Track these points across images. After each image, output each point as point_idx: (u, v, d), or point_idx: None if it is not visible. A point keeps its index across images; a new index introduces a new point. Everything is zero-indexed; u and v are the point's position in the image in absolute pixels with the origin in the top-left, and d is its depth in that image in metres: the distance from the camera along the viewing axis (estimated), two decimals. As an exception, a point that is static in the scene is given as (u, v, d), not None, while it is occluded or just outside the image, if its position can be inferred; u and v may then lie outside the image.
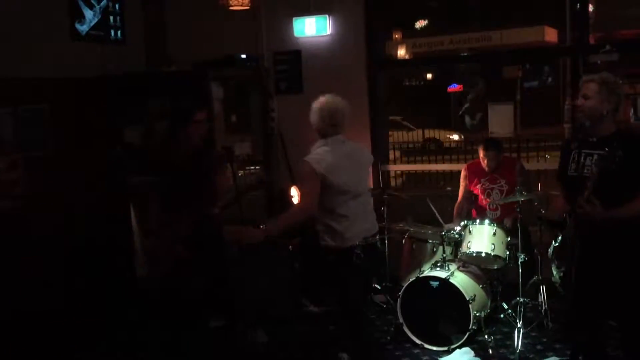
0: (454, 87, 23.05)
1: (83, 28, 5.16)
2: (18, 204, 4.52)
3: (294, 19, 5.74)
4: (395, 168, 7.62)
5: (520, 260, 4.47)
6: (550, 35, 17.61)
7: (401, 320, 4.48)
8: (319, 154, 3.50)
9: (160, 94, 5.11)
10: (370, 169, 3.87)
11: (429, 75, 24.20)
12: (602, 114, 3.15)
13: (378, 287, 5.17)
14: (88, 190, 4.95)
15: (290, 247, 4.96)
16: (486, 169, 5.02)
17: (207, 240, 3.83)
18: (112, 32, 5.44)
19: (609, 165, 2.94)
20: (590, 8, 5.50)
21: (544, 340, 4.41)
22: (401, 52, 15.58)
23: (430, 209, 5.10)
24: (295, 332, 4.70)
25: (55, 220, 4.72)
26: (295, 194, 5.69)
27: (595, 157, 3.11)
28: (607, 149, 2.98)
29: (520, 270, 4.49)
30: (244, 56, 5.53)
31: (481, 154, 5.05)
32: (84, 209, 4.90)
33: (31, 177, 4.62)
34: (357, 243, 3.44)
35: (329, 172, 3.39)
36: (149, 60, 5.76)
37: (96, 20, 5.29)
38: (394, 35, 16.08)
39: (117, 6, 5.48)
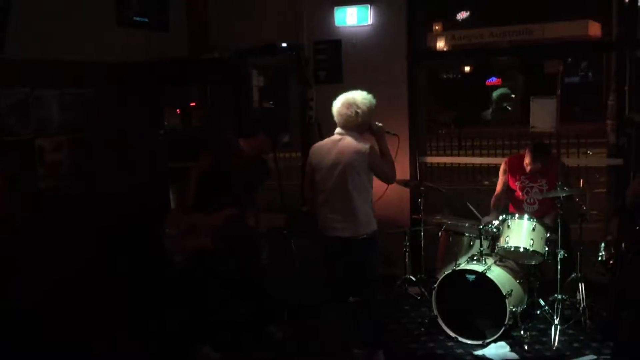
0: (493, 81, 22.75)
1: (129, 14, 5.25)
2: (62, 184, 4.64)
3: (335, 8, 5.73)
4: (433, 160, 7.53)
5: (559, 257, 4.41)
6: (594, 29, 17.20)
7: (436, 313, 4.47)
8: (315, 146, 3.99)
9: (202, 81, 5.17)
10: (364, 169, 3.76)
11: (467, 68, 23.92)
12: None
13: (413, 279, 5.17)
14: (130, 173, 5.05)
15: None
16: (528, 170, 4.92)
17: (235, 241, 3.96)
18: (156, 19, 5.52)
19: None
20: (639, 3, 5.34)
21: (581, 338, 4.35)
22: (440, 44, 15.43)
23: (467, 204, 5.06)
24: (327, 318, 4.72)
25: (97, 201, 4.84)
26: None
27: None
28: None
29: (559, 267, 4.42)
30: (284, 45, 5.54)
31: (527, 158, 4.86)
32: (125, 190, 5.00)
33: (75, 158, 4.74)
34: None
35: (315, 164, 3.89)
36: (191, 47, 5.83)
37: (141, 6, 5.37)
38: (434, 27, 15.91)
39: (161, -8, 5.55)
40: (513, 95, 22.79)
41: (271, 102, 5.47)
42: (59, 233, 4.52)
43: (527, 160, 4.88)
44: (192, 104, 5.43)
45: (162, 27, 5.58)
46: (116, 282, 4.75)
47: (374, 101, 3.85)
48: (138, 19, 5.33)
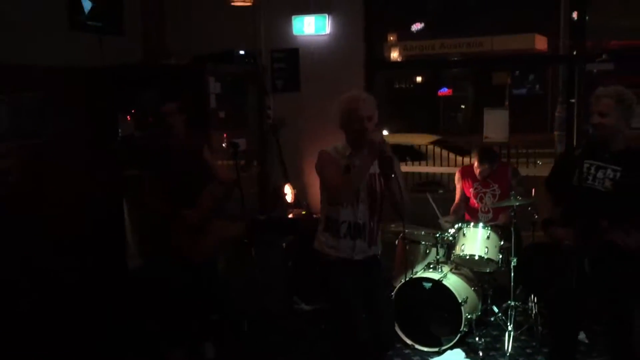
0: (444, 91, 23.20)
1: (82, 18, 5.12)
2: (10, 192, 4.48)
3: (293, 17, 5.74)
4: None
5: (512, 264, 4.51)
6: (541, 43, 17.81)
7: (393, 321, 4.50)
8: None
9: (158, 87, 5.08)
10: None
11: (419, 79, 24.33)
12: (620, 131, 3.13)
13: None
14: (82, 180, 4.92)
15: (284, 244, 4.96)
16: (479, 177, 5.05)
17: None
18: (111, 23, 5.40)
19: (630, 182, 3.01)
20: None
21: (534, 344, 4.45)
22: (394, 55, 15.65)
23: (425, 208, 5.13)
24: (286, 329, 4.70)
25: (48, 209, 4.68)
26: (289, 191, 5.70)
27: (610, 172, 3.12)
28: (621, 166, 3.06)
29: (512, 274, 4.53)
30: (242, 52, 5.53)
31: (475, 163, 5.07)
32: (77, 198, 4.86)
33: (25, 165, 4.58)
34: None
35: None
36: (146, 53, 5.73)
37: (95, 10, 5.25)
38: (389, 37, 16.15)
39: (116, -3, 5.44)
40: (463, 106, 23.32)
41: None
42: (6, 242, 4.35)
43: (475, 164, 5.05)
44: (150, 111, 5.33)
45: (117, 32, 5.47)
46: (68, 291, 4.60)
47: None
48: (91, 23, 5.20)
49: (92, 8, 5.20)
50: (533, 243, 4.66)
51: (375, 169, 3.15)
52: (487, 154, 5.06)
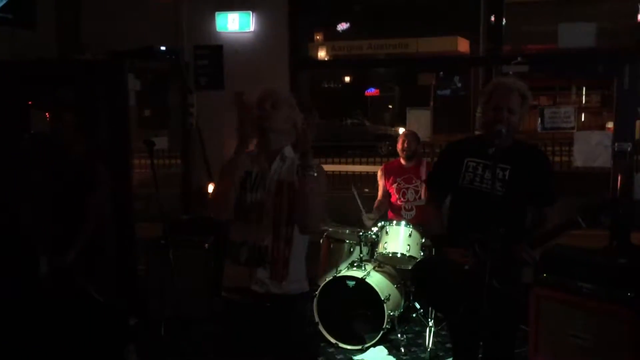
0: (371, 92, 23.53)
1: (-10, 9, 4.85)
2: None
3: (216, 13, 5.65)
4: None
5: (433, 261, 4.60)
6: (463, 45, 18.37)
7: (317, 320, 4.50)
8: None
9: (72, 83, 4.87)
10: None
11: (347, 79, 24.59)
12: (518, 129, 2.83)
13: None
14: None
15: (205, 245, 4.87)
16: (405, 154, 5.13)
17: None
18: (22, 15, 5.13)
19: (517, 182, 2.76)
20: (503, 22, 5.75)
21: (454, 338, 4.56)
22: (321, 54, 15.73)
23: (348, 203, 5.17)
24: (209, 332, 4.61)
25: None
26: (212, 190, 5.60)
27: (499, 171, 2.75)
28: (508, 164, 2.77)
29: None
30: (163, 48, 5.39)
31: (401, 138, 5.19)
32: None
33: None
34: None
35: None
36: (60, 47, 5.49)
37: (5, 1, 4.98)
38: (315, 37, 16.22)
39: (28, -13, 5.18)
40: (390, 106, 23.73)
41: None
42: None
43: (400, 145, 5.16)
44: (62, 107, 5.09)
45: (29, 25, 5.20)
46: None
47: None
48: (2, 14, 4.93)
49: (2, -1, 4.93)
50: (434, 257, 4.14)
51: (284, 175, 2.59)
52: (412, 135, 5.19)
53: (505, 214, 2.70)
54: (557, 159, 10.57)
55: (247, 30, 5.64)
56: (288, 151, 2.65)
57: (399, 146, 5.20)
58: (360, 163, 12.21)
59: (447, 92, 22.65)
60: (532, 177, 2.82)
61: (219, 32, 5.69)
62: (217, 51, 5.71)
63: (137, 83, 5.01)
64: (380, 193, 5.31)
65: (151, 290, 4.39)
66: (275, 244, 2.54)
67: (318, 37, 16.94)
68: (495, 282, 2.64)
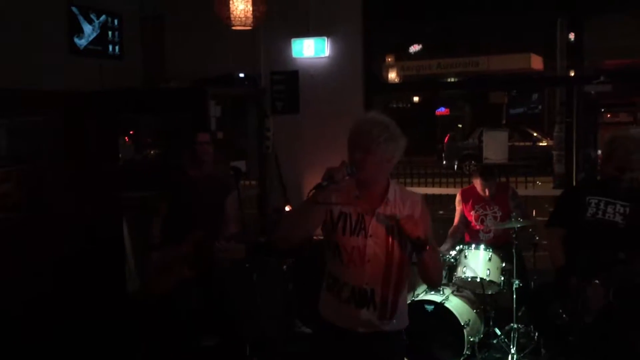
0: (442, 111, 23.30)
1: (81, 42, 5.16)
2: (11, 216, 4.46)
3: (292, 40, 5.78)
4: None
5: (514, 286, 4.49)
6: (536, 62, 17.92)
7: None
8: None
9: (158, 111, 5.10)
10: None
11: (416, 98, 24.43)
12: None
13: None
14: (82, 203, 4.90)
15: (284, 267, 4.94)
16: (486, 196, 5.00)
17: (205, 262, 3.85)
18: (110, 47, 5.45)
19: None
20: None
21: (537, 366, 4.42)
22: (391, 75, 15.70)
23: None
24: (286, 352, 4.66)
25: (49, 233, 4.66)
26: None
27: (619, 207, 3.23)
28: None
29: (514, 296, 4.50)
30: (242, 75, 5.55)
31: (479, 183, 5.00)
32: (78, 222, 4.85)
33: (25, 189, 4.57)
34: None
35: None
36: (146, 77, 5.76)
37: (95, 35, 5.29)
38: (386, 59, 16.25)
39: (115, 22, 5.49)
40: (460, 125, 23.40)
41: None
42: (8, 267, 4.32)
43: (479, 185, 5.00)
44: (148, 134, 5.35)
45: (117, 56, 5.50)
46: (72, 315, 4.57)
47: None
48: (91, 47, 5.24)
49: (91, 32, 5.24)
50: (545, 284, 4.24)
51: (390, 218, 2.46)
52: (489, 173, 5.04)
53: (627, 243, 3.14)
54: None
55: (322, 56, 5.74)
56: (391, 193, 2.51)
57: (478, 187, 5.03)
58: (433, 185, 12.06)
59: (521, 110, 22.11)
60: None
61: (295, 58, 5.81)
62: (293, 76, 5.83)
63: (218, 109, 5.18)
64: (457, 219, 5.20)
65: (236, 312, 4.48)
66: (385, 290, 2.49)
67: (389, 59, 16.95)
68: (611, 294, 3.07)
